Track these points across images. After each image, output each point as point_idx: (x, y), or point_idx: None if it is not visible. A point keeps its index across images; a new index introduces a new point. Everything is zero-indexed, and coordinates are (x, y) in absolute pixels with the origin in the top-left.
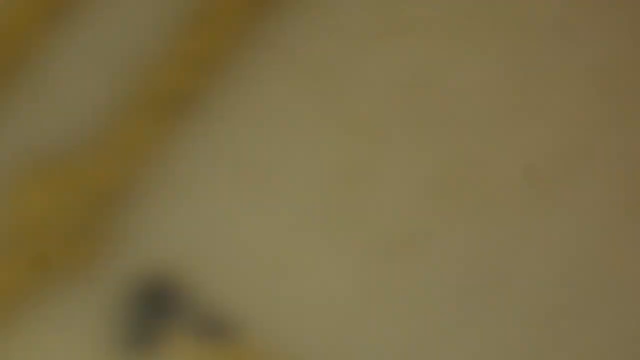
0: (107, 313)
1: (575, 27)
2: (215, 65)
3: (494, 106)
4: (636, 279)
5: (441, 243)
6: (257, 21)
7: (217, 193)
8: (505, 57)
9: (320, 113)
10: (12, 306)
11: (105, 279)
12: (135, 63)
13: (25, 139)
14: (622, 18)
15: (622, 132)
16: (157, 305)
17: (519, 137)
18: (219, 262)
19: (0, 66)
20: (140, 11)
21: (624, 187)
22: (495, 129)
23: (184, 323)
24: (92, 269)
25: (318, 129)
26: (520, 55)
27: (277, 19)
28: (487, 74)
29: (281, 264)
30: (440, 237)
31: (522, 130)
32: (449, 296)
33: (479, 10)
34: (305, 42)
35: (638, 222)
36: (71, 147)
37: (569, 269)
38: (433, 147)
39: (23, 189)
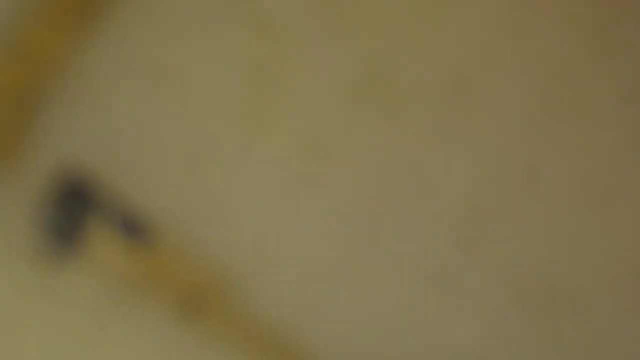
0: (27, 210)
1: None
2: None
3: (415, 5)
4: (547, 170)
5: (359, 144)
6: None
7: (131, 96)
8: None
9: (234, 17)
10: None
11: (24, 178)
12: None
13: None
14: None
15: (538, 39)
16: (75, 202)
17: (440, 40)
18: (132, 163)
19: None
20: None
21: (536, 90)
22: (416, 31)
23: (101, 221)
24: (10, 168)
25: (232, 34)
26: None
27: None
28: None
29: (193, 164)
30: (358, 137)
31: (444, 34)
32: (363, 198)
33: None
34: None
35: (550, 120)
36: None
37: (488, 165)
38: (352, 50)
39: None
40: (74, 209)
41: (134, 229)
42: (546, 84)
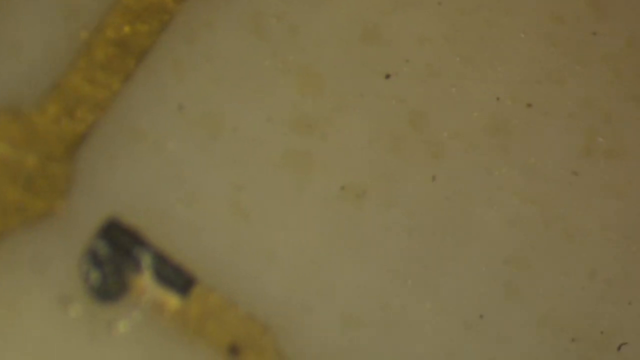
0: (75, 260)
1: None
2: (169, 18)
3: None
4: (587, 216)
5: (402, 189)
6: None
7: (175, 147)
8: None
9: (279, 66)
10: None
11: (71, 228)
12: (88, 12)
13: None
14: None
15: (579, 84)
16: (123, 252)
17: (482, 84)
18: (178, 213)
19: None
20: None
21: (579, 134)
22: (457, 76)
23: (148, 271)
24: (58, 218)
25: (276, 82)
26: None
27: None
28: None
29: (239, 213)
30: (401, 183)
31: (484, 78)
32: (407, 244)
33: None
34: None
35: (593, 164)
36: (27, 98)
37: (530, 209)
38: (393, 96)
39: None
40: (121, 257)
41: (180, 279)
42: (589, 127)
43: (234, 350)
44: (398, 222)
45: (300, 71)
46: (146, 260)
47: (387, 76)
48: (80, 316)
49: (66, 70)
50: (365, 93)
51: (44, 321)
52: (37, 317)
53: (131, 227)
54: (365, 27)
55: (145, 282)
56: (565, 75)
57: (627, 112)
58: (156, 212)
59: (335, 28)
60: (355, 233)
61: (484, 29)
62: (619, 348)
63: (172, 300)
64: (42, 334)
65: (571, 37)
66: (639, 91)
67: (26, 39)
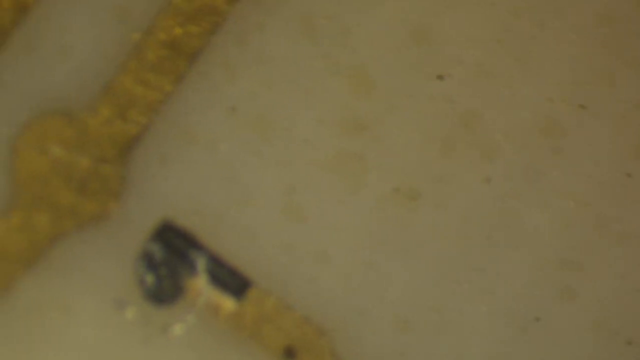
0: (129, 263)
1: None
2: (221, 20)
3: None
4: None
5: (453, 191)
6: None
7: (227, 149)
8: None
9: (331, 69)
10: (36, 257)
11: (124, 230)
12: (139, 14)
13: (35, 93)
14: None
15: (630, 86)
16: (177, 255)
17: (532, 84)
18: (231, 216)
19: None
20: None
21: (629, 137)
22: (507, 75)
23: (203, 274)
24: (108, 216)
25: (329, 85)
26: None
27: None
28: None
29: (291, 216)
30: (452, 184)
31: (535, 78)
32: (458, 245)
33: None
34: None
35: None
36: (79, 101)
37: (579, 209)
38: (444, 96)
39: (36, 142)
40: (175, 260)
41: (235, 282)
42: (638, 130)
43: (289, 353)
44: (451, 225)
45: (352, 73)
46: (201, 263)
47: (439, 77)
48: (135, 319)
49: (117, 73)
50: (417, 94)
51: (98, 324)
52: (92, 321)
53: (185, 229)
54: (417, 28)
55: (200, 285)
56: (616, 76)
57: None
58: (209, 215)
59: (387, 29)
60: (409, 235)
61: (535, 29)
62: None
63: (227, 303)
64: (96, 337)
65: (621, 38)
66: None
67: (77, 42)
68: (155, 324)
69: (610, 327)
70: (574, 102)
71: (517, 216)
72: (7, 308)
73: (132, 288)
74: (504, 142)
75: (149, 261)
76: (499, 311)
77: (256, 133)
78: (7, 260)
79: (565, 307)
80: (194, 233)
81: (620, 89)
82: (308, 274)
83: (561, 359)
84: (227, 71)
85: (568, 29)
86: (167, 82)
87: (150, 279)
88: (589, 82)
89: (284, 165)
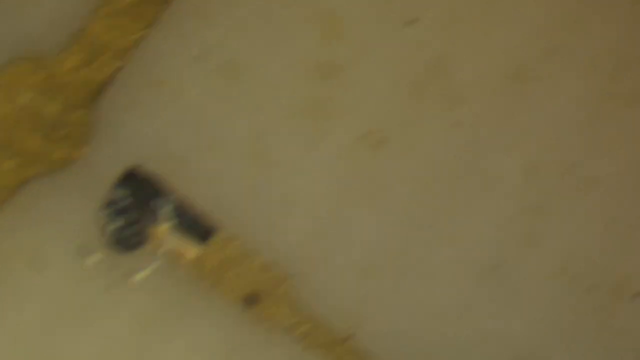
0: (94, 207)
1: None
2: None
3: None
4: (602, 161)
5: (421, 137)
6: None
7: (194, 92)
8: None
9: (298, 11)
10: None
11: (91, 175)
12: None
13: (4, 38)
14: None
15: (599, 32)
16: (141, 199)
17: (503, 32)
18: (195, 159)
19: None
20: None
21: (597, 82)
22: (478, 23)
23: (167, 218)
24: (78, 165)
25: (296, 28)
26: None
27: None
28: None
29: (256, 160)
30: (420, 130)
31: (505, 26)
32: (424, 191)
33: None
34: None
35: (610, 111)
36: (48, 46)
37: (546, 154)
38: (414, 43)
39: (5, 88)
40: (140, 207)
41: (199, 228)
42: (610, 72)
43: (252, 299)
44: (417, 170)
45: (321, 18)
46: (165, 210)
47: (409, 22)
48: (99, 266)
49: (88, 18)
50: (386, 39)
51: (62, 271)
52: (56, 267)
53: (151, 175)
54: None
55: (164, 232)
56: (587, 21)
57: None
58: (177, 160)
59: None
60: (376, 181)
61: None
62: (633, 298)
63: (191, 249)
64: (60, 284)
65: None
66: None
67: None
68: (118, 271)
69: (570, 275)
70: (543, 48)
71: (484, 161)
72: None
73: (96, 235)
74: (473, 88)
75: (113, 208)
76: (462, 257)
77: (225, 79)
78: None
79: (527, 254)
80: (161, 179)
81: (590, 35)
82: (273, 220)
83: (520, 305)
84: (197, 17)
85: None
86: (136, 28)
87: (114, 225)
88: (560, 28)
89: (252, 110)
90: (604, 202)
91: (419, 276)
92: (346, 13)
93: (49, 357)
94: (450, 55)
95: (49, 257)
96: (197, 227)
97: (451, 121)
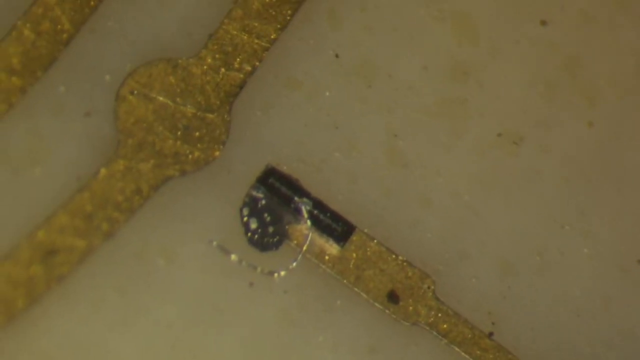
0: (229, 207)
1: None
2: None
3: None
4: None
5: (556, 135)
6: None
7: (330, 90)
8: None
9: (434, 15)
10: (140, 204)
11: (225, 172)
12: None
13: (140, 41)
14: None
15: None
16: (281, 200)
17: (636, 29)
18: (333, 161)
19: None
20: None
21: None
22: (609, 21)
23: (303, 217)
24: (212, 162)
25: (432, 31)
26: None
27: None
28: None
29: (394, 161)
30: (555, 129)
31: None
32: (562, 188)
33: None
34: None
35: None
36: (183, 49)
37: None
38: (547, 42)
39: (141, 90)
40: (280, 206)
41: (338, 228)
42: None
43: (392, 297)
44: (554, 169)
45: (455, 19)
46: (305, 208)
47: (542, 22)
48: (239, 265)
49: (222, 21)
50: (521, 40)
51: (202, 270)
52: (196, 266)
53: (289, 175)
54: None
55: (303, 231)
56: None
57: None
58: (312, 161)
59: None
60: (512, 180)
61: None
62: None
63: (330, 248)
64: (201, 282)
65: None
66: None
67: None
68: (259, 269)
69: None
70: None
71: (619, 159)
72: (111, 254)
73: (236, 234)
74: (607, 87)
75: (253, 207)
76: (601, 253)
77: (360, 79)
78: (112, 207)
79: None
80: (298, 179)
81: None
82: (410, 219)
83: None
84: (331, 18)
85: None
86: (271, 30)
87: (254, 224)
88: None
89: (388, 111)
90: None
91: (558, 272)
92: (479, 14)
93: (192, 352)
94: (583, 55)
95: (189, 256)
96: (335, 227)
97: (585, 120)
